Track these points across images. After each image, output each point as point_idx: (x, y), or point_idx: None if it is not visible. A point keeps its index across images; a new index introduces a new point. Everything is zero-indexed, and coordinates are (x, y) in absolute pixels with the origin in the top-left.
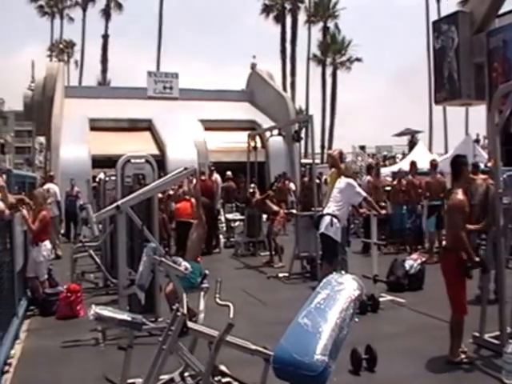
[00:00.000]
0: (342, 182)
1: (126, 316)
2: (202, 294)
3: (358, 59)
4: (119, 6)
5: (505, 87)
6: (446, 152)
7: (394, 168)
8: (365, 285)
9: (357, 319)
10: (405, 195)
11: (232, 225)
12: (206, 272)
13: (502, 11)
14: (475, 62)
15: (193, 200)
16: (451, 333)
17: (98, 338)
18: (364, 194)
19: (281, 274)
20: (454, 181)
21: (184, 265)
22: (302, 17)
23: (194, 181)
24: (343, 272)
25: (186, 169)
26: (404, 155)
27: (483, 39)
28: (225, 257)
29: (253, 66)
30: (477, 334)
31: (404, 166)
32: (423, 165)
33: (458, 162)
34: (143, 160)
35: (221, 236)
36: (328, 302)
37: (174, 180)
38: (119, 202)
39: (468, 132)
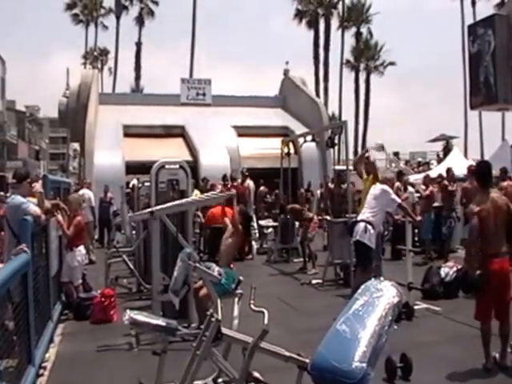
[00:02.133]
0: (376, 188)
1: (160, 321)
2: (236, 300)
3: (392, 63)
4: (152, 13)
5: None
6: (482, 158)
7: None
8: None
9: (396, 326)
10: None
11: (265, 231)
12: (241, 278)
13: None
14: None
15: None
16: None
17: (132, 343)
18: (399, 200)
19: (314, 281)
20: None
21: (218, 270)
22: (334, 22)
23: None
24: (382, 278)
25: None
26: (439, 157)
27: None
28: (258, 263)
29: (286, 72)
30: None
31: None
32: (459, 171)
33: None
34: (177, 166)
35: (253, 242)
36: (367, 308)
37: (213, 200)
38: (154, 209)
39: (505, 137)
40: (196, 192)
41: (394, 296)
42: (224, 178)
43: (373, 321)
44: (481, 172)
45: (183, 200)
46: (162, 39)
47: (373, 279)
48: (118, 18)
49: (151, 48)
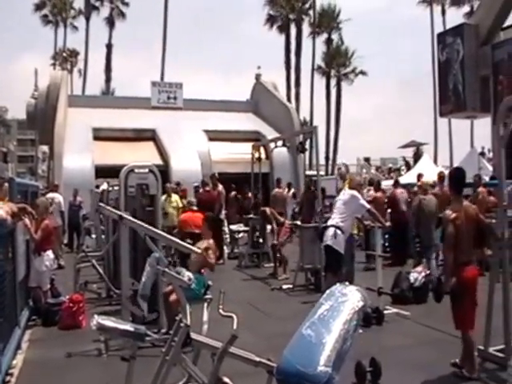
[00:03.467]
0: (345, 193)
1: (128, 326)
2: (206, 305)
3: (363, 72)
4: (122, 15)
5: (510, 100)
6: (451, 164)
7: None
8: (369, 297)
9: (361, 331)
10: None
11: (236, 236)
12: (210, 283)
13: (506, 24)
14: (480, 74)
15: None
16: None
17: (101, 349)
18: (368, 205)
19: (285, 286)
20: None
21: (188, 275)
22: (306, 27)
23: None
24: (347, 283)
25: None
26: (406, 162)
27: (488, 52)
28: (229, 268)
29: (257, 77)
30: (481, 348)
31: (410, 178)
32: (429, 177)
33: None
34: (147, 170)
35: (225, 247)
36: (332, 313)
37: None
38: (122, 212)
39: (473, 144)
40: (175, 198)
41: (359, 300)
42: (203, 182)
43: (338, 325)
44: (455, 179)
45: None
46: (134, 42)
47: (338, 284)
48: (87, 19)
49: (122, 50)
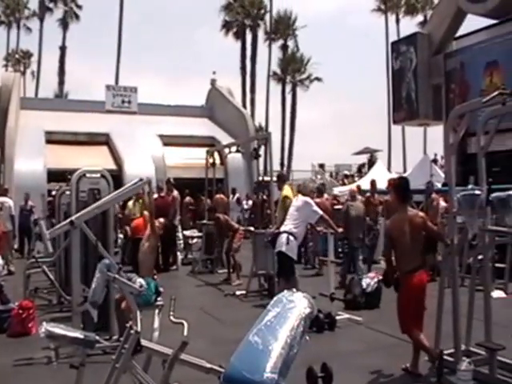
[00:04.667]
0: (299, 200)
1: (78, 334)
2: (157, 311)
3: (318, 79)
4: (76, 16)
5: (459, 108)
6: (405, 171)
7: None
8: (322, 303)
9: (307, 337)
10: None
11: (190, 242)
12: (161, 289)
13: (459, 34)
14: (433, 83)
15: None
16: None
17: (51, 357)
18: (321, 212)
19: (238, 292)
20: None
21: (139, 282)
22: (262, 34)
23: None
24: (294, 290)
25: (141, 180)
26: (360, 172)
27: (441, 61)
28: (182, 274)
29: (212, 82)
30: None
31: (363, 184)
32: (382, 184)
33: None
34: (98, 175)
35: (178, 253)
36: (278, 319)
37: (130, 192)
38: (73, 217)
39: (426, 151)
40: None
41: (306, 307)
42: (157, 187)
43: (284, 332)
44: (400, 188)
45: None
46: (89, 45)
47: (285, 291)
48: (41, 20)
49: (77, 53)
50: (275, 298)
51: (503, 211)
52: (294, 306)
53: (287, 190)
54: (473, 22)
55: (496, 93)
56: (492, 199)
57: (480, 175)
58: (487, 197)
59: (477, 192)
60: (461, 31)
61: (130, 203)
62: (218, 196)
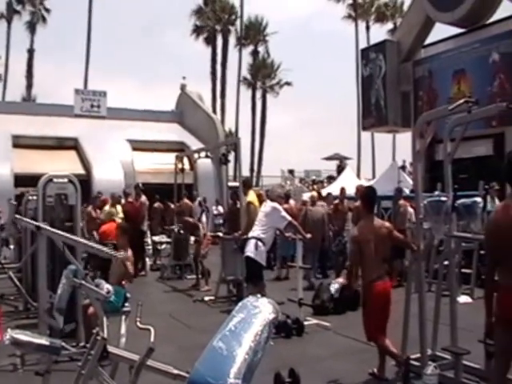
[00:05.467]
0: (267, 205)
1: (43, 340)
2: (124, 317)
3: (288, 83)
4: (44, 20)
5: (426, 116)
6: (374, 177)
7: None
8: (290, 308)
9: (272, 343)
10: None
11: (159, 247)
12: (128, 295)
13: (427, 42)
14: (402, 90)
15: (118, 221)
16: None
17: (17, 364)
18: (289, 218)
19: (207, 298)
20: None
21: (106, 287)
22: (232, 39)
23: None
24: (259, 295)
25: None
26: (330, 178)
27: (410, 68)
28: (151, 280)
29: (182, 87)
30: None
31: (332, 190)
32: (351, 190)
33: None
34: (66, 180)
35: (147, 259)
36: (243, 325)
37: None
38: (40, 223)
39: (395, 158)
40: (119, 208)
41: (271, 313)
42: (125, 193)
43: (248, 337)
44: (366, 197)
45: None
46: (57, 48)
47: (250, 296)
48: (8, 22)
49: (45, 56)
50: (240, 304)
51: (469, 217)
52: (259, 311)
53: (251, 196)
54: (441, 31)
55: (462, 101)
56: (458, 206)
57: (446, 182)
58: (453, 203)
59: (443, 198)
60: (429, 39)
61: (107, 208)
62: (184, 201)
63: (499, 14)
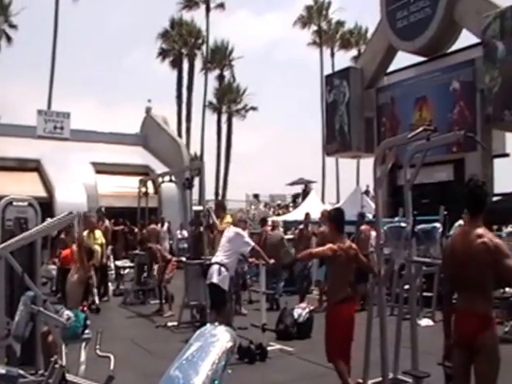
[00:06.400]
0: (230, 230)
1: (0, 368)
2: (83, 344)
3: (254, 108)
4: (8, 38)
5: (386, 143)
6: (338, 202)
7: (287, 217)
8: (253, 333)
9: (230, 371)
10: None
11: (122, 272)
12: (88, 322)
13: (390, 69)
14: (365, 116)
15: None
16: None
17: None
18: (252, 243)
19: (170, 323)
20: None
21: (66, 314)
22: (198, 63)
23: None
24: (216, 323)
25: (70, 213)
26: (295, 202)
27: (373, 95)
28: (113, 305)
29: (148, 110)
30: (360, 381)
31: (297, 215)
32: (316, 214)
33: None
34: (26, 203)
35: (109, 283)
36: (200, 354)
37: (57, 226)
38: None
39: (359, 183)
40: (99, 233)
41: (228, 341)
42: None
43: (205, 366)
44: (335, 219)
45: (27, 232)
46: (21, 68)
47: (208, 324)
48: None
49: (8, 76)
50: (197, 332)
51: (428, 242)
52: (217, 339)
53: (229, 219)
54: (404, 59)
55: (421, 129)
56: (417, 231)
57: (406, 207)
58: (412, 229)
59: (402, 224)
60: (392, 67)
61: (84, 234)
62: (150, 226)
63: (459, 44)
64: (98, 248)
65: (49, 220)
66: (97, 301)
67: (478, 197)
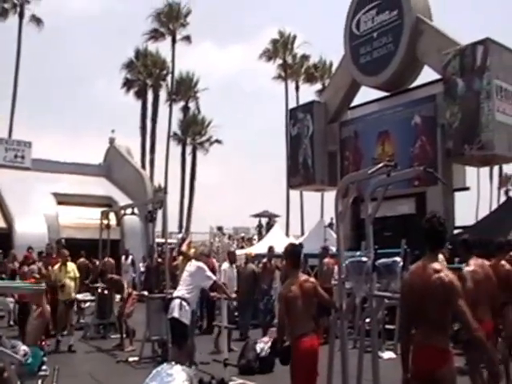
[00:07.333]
0: (192, 265)
1: None
2: (40, 382)
3: (218, 141)
4: None
5: (348, 178)
6: (303, 234)
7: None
8: (215, 368)
9: None
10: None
11: (82, 305)
12: (44, 359)
13: (353, 104)
14: (329, 150)
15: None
16: None
17: None
18: (214, 277)
19: (131, 358)
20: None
21: (23, 350)
22: (163, 94)
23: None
24: (173, 362)
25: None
26: (260, 234)
27: (336, 129)
28: (73, 339)
29: (111, 141)
30: None
31: (260, 248)
32: (279, 248)
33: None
34: None
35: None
36: None
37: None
38: None
39: (323, 215)
40: (72, 266)
41: (184, 381)
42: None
43: None
44: (292, 255)
45: None
46: None
47: (165, 363)
48: None
49: None
50: (154, 371)
51: (389, 277)
52: (173, 379)
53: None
54: (367, 94)
55: (381, 165)
56: (378, 265)
57: (367, 241)
58: (373, 263)
59: (364, 259)
60: (355, 102)
61: (56, 268)
62: (107, 260)
63: (421, 80)
64: (69, 282)
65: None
66: (60, 338)
67: (439, 233)
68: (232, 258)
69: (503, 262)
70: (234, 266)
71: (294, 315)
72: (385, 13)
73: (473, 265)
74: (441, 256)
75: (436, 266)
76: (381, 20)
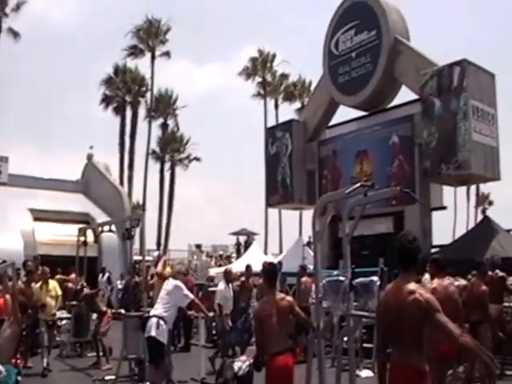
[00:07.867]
0: (169, 283)
1: None
2: None
3: (197, 158)
4: None
5: (326, 197)
6: (281, 252)
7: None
8: None
9: None
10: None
11: (58, 323)
12: (19, 378)
13: (332, 123)
14: (307, 168)
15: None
16: None
17: None
18: (192, 296)
19: (107, 377)
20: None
21: None
22: (142, 111)
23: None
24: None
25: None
26: (239, 252)
27: (315, 148)
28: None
29: (89, 157)
30: None
31: (239, 267)
32: (258, 266)
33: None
34: None
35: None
36: None
37: None
38: None
39: (302, 233)
40: (53, 284)
41: None
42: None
43: None
44: (268, 273)
45: None
46: None
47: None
48: None
49: None
50: None
51: (366, 296)
52: None
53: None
54: (345, 113)
55: (358, 185)
56: (355, 284)
57: (344, 261)
58: (350, 282)
59: (341, 278)
60: (333, 121)
61: (37, 286)
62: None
63: (399, 100)
64: (50, 301)
65: None
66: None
67: (409, 251)
68: (228, 277)
69: (480, 282)
70: (230, 285)
71: (268, 333)
72: (363, 33)
73: (436, 284)
74: (427, 275)
75: (410, 286)
76: (359, 40)
